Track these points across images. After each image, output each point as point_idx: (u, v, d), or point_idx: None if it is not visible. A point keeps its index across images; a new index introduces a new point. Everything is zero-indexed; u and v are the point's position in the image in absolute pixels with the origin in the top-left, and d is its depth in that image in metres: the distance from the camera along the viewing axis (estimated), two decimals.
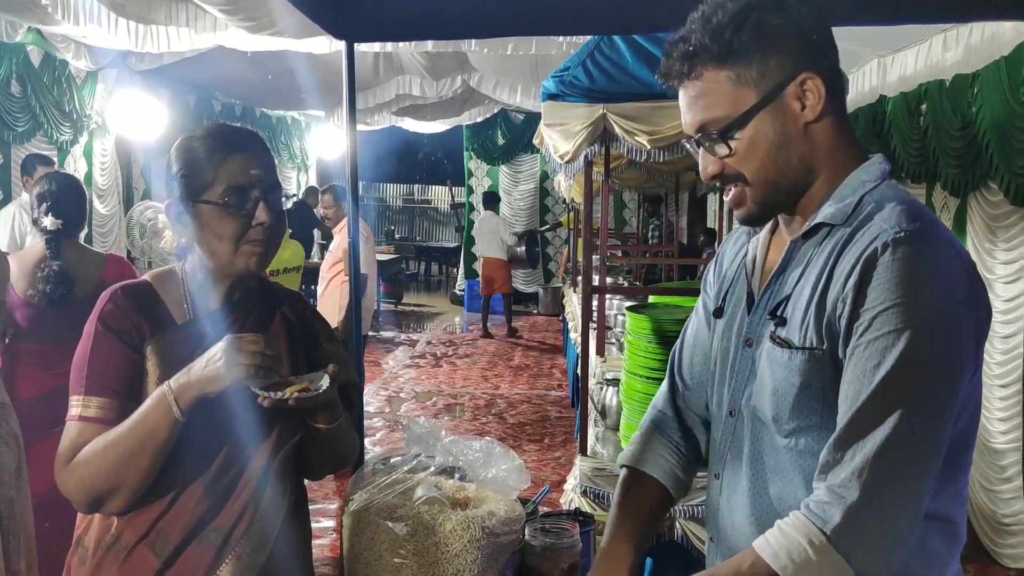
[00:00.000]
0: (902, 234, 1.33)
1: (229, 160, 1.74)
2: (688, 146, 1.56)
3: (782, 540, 1.34)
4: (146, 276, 1.86)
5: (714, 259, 1.80)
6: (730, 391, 1.61)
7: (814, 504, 1.34)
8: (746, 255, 1.64)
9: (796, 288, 1.47)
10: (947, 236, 1.38)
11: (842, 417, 1.35)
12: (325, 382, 1.70)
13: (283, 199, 1.82)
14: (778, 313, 1.48)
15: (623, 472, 1.80)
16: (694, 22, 1.44)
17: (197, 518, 1.73)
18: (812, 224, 1.47)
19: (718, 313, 1.67)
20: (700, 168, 1.51)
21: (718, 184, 1.52)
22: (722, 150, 1.45)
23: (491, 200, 13.59)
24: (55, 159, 7.26)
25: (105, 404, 1.69)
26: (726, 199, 1.53)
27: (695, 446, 1.81)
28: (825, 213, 1.45)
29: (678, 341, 1.85)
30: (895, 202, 1.41)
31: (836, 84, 1.45)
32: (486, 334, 12.51)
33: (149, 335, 1.74)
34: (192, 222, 1.76)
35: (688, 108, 1.48)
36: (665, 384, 1.85)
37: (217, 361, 1.61)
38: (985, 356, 4.96)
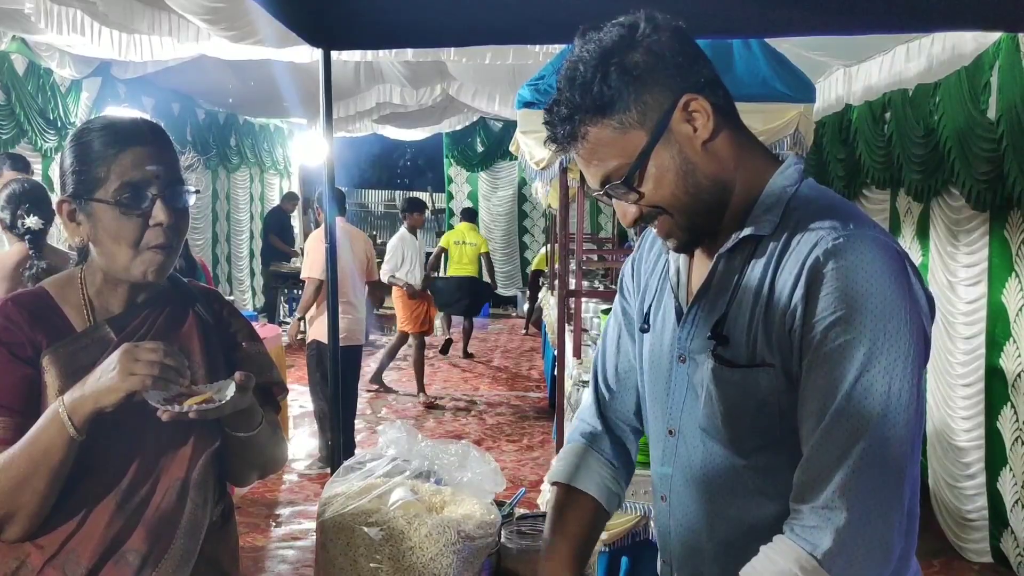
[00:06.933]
0: (841, 239, 1.31)
1: (123, 155, 1.60)
2: (602, 202, 1.57)
3: (771, 568, 1.31)
4: (44, 283, 1.73)
5: (630, 263, 1.76)
6: (667, 409, 1.56)
7: (799, 528, 1.31)
8: (667, 268, 1.60)
9: (733, 304, 1.43)
10: (881, 233, 1.36)
11: (809, 433, 1.33)
12: (230, 391, 1.56)
13: (187, 195, 1.67)
14: (719, 331, 1.43)
15: (554, 490, 1.73)
16: (560, 82, 1.41)
17: (111, 537, 1.60)
18: (739, 238, 1.43)
19: (644, 329, 1.63)
20: (619, 216, 1.47)
21: (643, 224, 1.48)
22: (632, 196, 1.41)
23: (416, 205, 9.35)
24: (37, 162, 7.29)
25: None
26: (655, 233, 1.50)
27: (626, 456, 1.77)
28: (752, 227, 1.42)
29: (599, 349, 1.82)
30: (822, 204, 1.40)
31: (720, 96, 1.42)
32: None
33: (46, 346, 1.61)
34: (86, 221, 1.64)
35: (586, 166, 1.44)
36: (589, 396, 1.81)
37: (111, 372, 1.49)
38: (948, 356, 5.09)
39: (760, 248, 1.41)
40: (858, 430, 1.28)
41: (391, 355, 9.37)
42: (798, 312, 1.33)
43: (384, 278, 8.52)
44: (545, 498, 3.92)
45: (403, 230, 8.82)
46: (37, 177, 6.94)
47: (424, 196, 20.72)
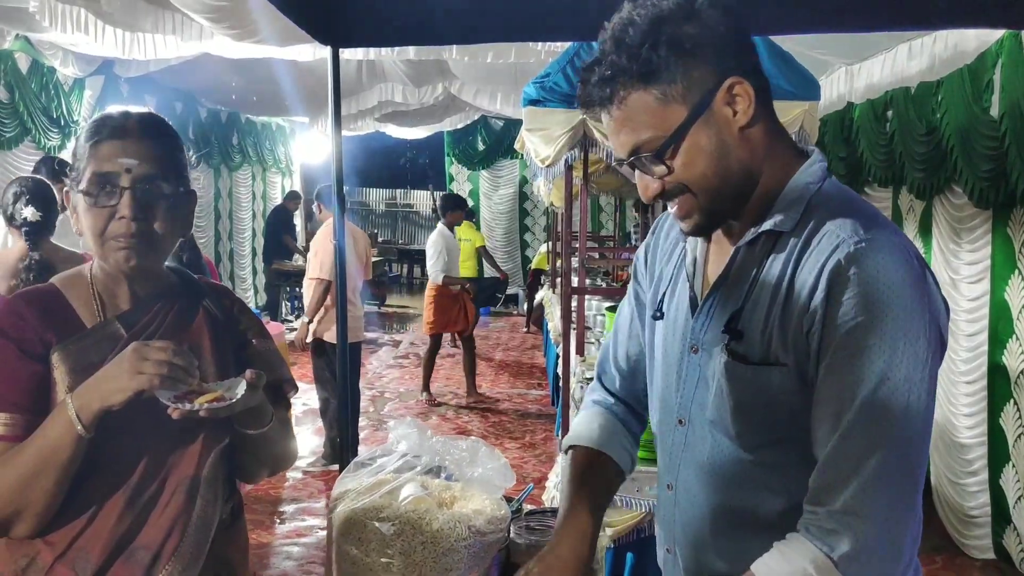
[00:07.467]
0: (862, 244, 1.30)
1: (99, 146, 1.60)
2: (621, 170, 1.54)
3: (785, 566, 1.31)
4: (53, 279, 1.72)
5: (644, 249, 1.74)
6: (678, 398, 1.55)
7: (816, 530, 1.31)
8: (684, 256, 1.59)
9: (750, 300, 1.41)
10: (899, 236, 1.35)
11: (826, 436, 1.32)
12: (241, 389, 1.56)
13: (163, 190, 1.63)
14: (733, 326, 1.42)
15: (576, 451, 1.73)
16: (605, 43, 1.37)
17: (120, 534, 1.59)
18: (759, 232, 1.42)
19: (658, 316, 1.61)
20: (640, 189, 1.44)
21: (662, 201, 1.45)
22: (660, 170, 1.38)
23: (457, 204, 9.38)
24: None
25: (8, 420, 1.55)
26: (671, 211, 1.47)
27: (640, 423, 1.81)
28: (773, 221, 1.40)
29: (611, 333, 1.82)
30: (843, 204, 1.39)
31: (762, 84, 1.40)
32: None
33: (55, 343, 1.60)
34: (73, 212, 1.66)
35: (616, 132, 1.41)
36: (599, 372, 1.84)
37: (119, 371, 1.50)
38: (951, 354, 5.08)
39: (780, 243, 1.40)
40: (878, 436, 1.28)
41: (471, 366, 9.06)
42: (818, 315, 1.32)
43: (438, 279, 8.44)
44: (550, 495, 3.93)
45: (442, 227, 8.69)
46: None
47: (425, 195, 20.77)
